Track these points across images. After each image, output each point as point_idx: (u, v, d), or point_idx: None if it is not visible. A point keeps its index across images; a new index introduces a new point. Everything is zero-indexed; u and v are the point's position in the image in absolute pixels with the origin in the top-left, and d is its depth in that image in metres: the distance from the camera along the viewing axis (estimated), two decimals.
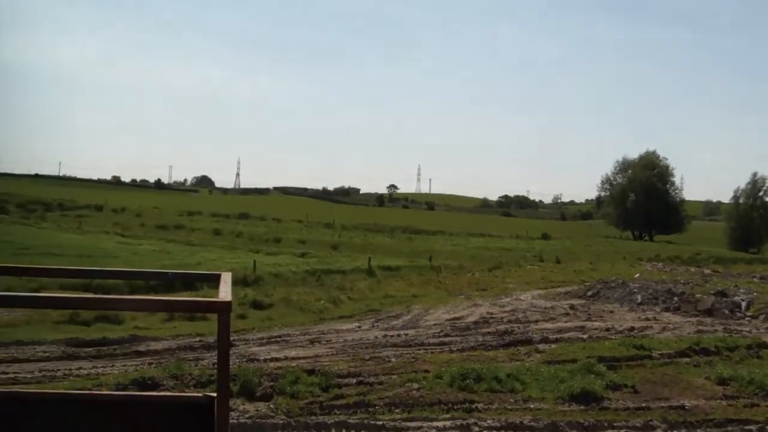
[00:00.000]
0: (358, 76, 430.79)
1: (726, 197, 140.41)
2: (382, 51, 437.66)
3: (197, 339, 19.49)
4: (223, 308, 3.80)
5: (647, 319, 25.65)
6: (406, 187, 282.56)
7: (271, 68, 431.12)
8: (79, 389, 12.30)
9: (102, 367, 16.24)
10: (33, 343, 18.24)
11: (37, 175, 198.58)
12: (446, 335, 21.59)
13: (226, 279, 4.52)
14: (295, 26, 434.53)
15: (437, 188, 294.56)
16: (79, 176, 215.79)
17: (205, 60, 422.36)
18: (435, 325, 23.46)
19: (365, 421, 12.73)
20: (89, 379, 14.78)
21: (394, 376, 15.63)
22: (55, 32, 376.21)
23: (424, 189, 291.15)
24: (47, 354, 17.29)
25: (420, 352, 18.82)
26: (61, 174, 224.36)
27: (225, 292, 4.14)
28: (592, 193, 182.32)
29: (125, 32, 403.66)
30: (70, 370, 15.80)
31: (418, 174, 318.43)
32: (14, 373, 15.24)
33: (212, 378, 14.11)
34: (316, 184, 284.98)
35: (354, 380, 15.16)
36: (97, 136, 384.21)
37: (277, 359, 17.29)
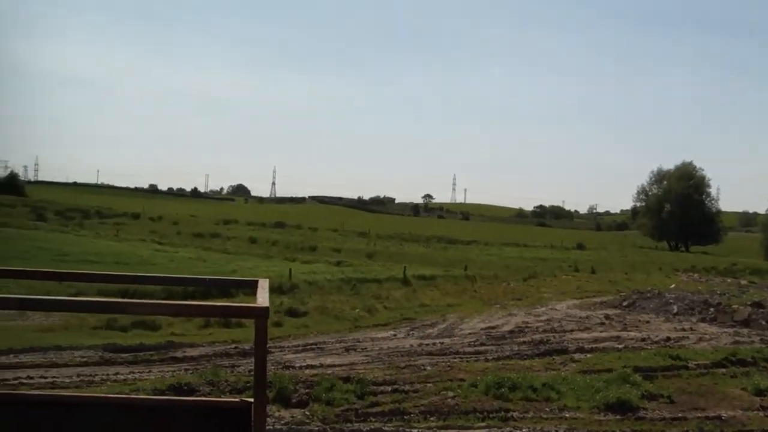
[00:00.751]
0: (393, 85, 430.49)
1: (762, 208, 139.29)
2: (418, 59, 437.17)
3: (233, 346, 19.58)
4: (261, 314, 3.82)
5: (683, 330, 25.48)
6: (442, 196, 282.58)
7: (306, 76, 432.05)
8: (116, 393, 12.40)
9: (139, 372, 16.35)
10: (71, 348, 18.39)
11: (75, 184, 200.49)
12: (481, 344, 21.56)
13: (263, 285, 4.55)
14: (330, 34, 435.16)
15: (472, 198, 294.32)
16: (116, 184, 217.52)
17: (242, 68, 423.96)
18: (470, 334, 23.43)
19: (400, 429, 12.75)
20: (126, 384, 14.88)
21: (429, 385, 15.64)
22: (92, 41, 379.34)
23: (460, 199, 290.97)
24: (85, 359, 17.44)
25: (455, 360, 18.80)
26: (99, 182, 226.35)
27: (262, 297, 4.18)
28: (627, 204, 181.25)
29: (160, 41, 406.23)
30: (108, 375, 15.92)
31: (454, 184, 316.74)
32: (52, 377, 15.37)
33: (248, 385, 14.19)
34: (352, 194, 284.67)
35: (389, 388, 15.17)
36: (134, 144, 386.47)
37: (312, 366, 17.33)
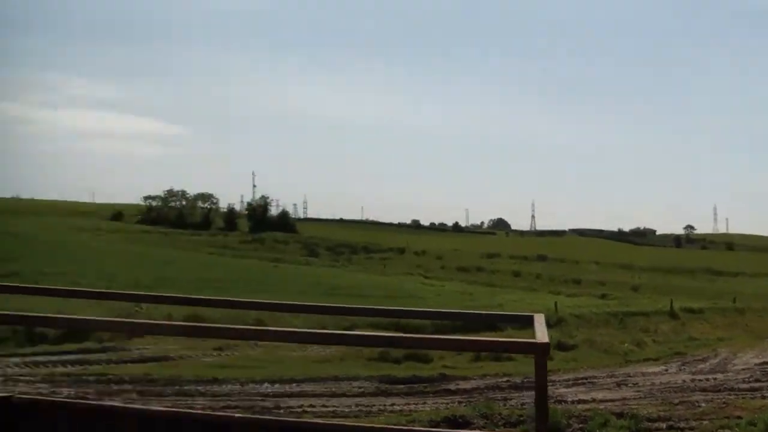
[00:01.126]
0: (641, 116, 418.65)
1: None
2: (659, 89, 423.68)
3: (505, 379, 19.79)
4: (542, 350, 4.00)
5: None
6: (703, 227, 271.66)
7: (558, 112, 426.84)
8: (394, 424, 12.83)
9: (414, 404, 16.85)
10: (348, 378, 19.19)
11: (341, 220, 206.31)
12: (757, 380, 20.81)
13: (540, 320, 4.70)
14: (576, 67, 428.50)
15: (735, 228, 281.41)
16: (380, 220, 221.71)
17: (492, 104, 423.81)
18: (744, 369, 22.68)
19: None
20: (403, 415, 15.36)
21: (705, 422, 15.28)
22: (348, 85, 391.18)
23: (722, 229, 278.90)
24: (362, 389, 18.14)
25: (730, 397, 18.25)
26: (363, 218, 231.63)
27: (542, 333, 4.34)
28: None
29: (407, 82, 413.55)
30: (385, 405, 16.49)
31: (715, 214, 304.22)
32: (333, 407, 16.10)
33: (521, 418, 14.35)
34: (611, 226, 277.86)
35: (664, 425, 14.95)
36: (395, 180, 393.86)
37: (584, 401, 17.31)
